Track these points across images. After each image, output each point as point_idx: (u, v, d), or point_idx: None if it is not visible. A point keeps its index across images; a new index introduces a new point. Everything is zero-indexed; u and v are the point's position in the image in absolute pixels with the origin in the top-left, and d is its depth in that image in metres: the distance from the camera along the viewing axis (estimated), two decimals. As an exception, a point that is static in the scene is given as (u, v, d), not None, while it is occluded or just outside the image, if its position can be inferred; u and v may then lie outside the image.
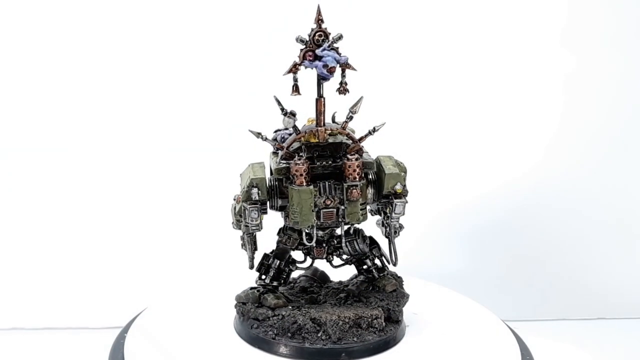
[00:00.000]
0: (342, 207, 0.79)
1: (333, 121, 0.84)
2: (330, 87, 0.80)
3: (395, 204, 0.80)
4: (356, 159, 0.79)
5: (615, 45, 1.39)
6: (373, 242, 0.89)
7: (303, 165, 0.78)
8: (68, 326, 1.39)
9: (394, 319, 0.85)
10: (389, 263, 0.89)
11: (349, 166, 0.78)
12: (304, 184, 0.78)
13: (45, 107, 1.36)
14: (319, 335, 0.80)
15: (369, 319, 0.81)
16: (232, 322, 0.91)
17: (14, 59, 1.34)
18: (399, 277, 0.91)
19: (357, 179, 0.78)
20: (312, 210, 0.79)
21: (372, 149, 0.87)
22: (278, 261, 0.89)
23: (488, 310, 1.01)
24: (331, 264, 0.90)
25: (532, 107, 1.42)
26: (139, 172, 1.40)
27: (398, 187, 0.79)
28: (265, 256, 0.90)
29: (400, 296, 0.87)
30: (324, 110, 0.80)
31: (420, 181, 1.34)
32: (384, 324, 0.82)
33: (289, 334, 0.81)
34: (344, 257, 0.89)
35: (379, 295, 0.87)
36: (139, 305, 1.02)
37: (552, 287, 1.48)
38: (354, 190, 0.78)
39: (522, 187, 1.44)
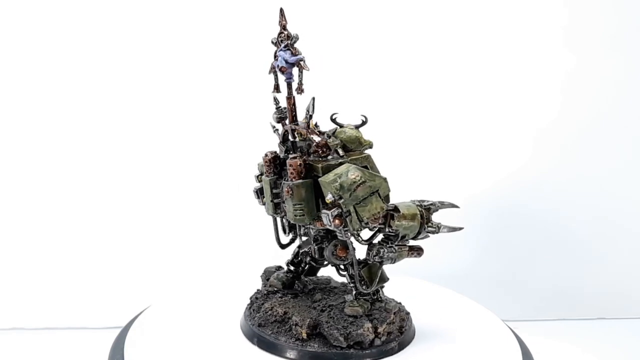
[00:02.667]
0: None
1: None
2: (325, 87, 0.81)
3: (321, 213, 0.76)
4: (294, 158, 0.78)
5: (613, 46, 1.39)
6: (361, 262, 0.83)
7: (266, 157, 0.82)
8: (68, 326, 1.40)
9: (329, 342, 0.79)
10: (366, 287, 0.82)
11: (286, 164, 0.79)
12: (265, 174, 0.83)
13: (46, 107, 1.36)
14: (254, 315, 0.87)
15: (291, 324, 0.82)
16: (234, 321, 0.91)
17: (18, 62, 1.35)
18: (393, 313, 0.82)
19: (291, 178, 0.78)
20: (271, 201, 0.83)
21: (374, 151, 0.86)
22: (297, 249, 0.92)
23: (488, 310, 1.01)
24: (338, 270, 0.89)
25: (531, 106, 1.42)
26: (140, 171, 1.40)
27: (328, 197, 0.74)
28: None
29: (355, 326, 0.79)
30: (293, 108, 0.81)
31: (419, 181, 1.35)
32: (304, 335, 0.80)
33: (247, 306, 0.91)
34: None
35: (336, 312, 0.82)
36: (139, 305, 1.02)
37: (552, 287, 1.48)
38: (285, 189, 0.79)
39: (522, 187, 1.44)
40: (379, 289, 0.84)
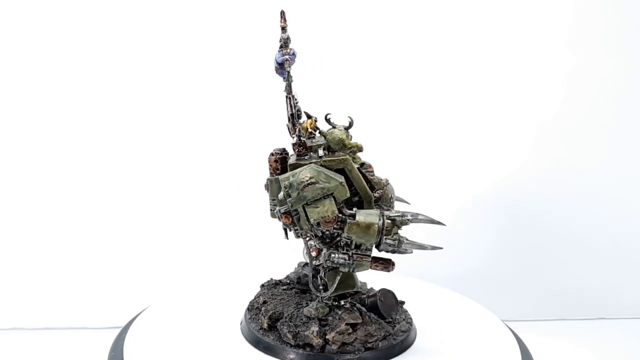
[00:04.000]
0: None
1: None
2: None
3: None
4: (271, 155, 0.81)
5: (614, 46, 1.39)
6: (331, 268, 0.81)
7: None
8: (68, 326, 1.40)
9: (280, 334, 0.82)
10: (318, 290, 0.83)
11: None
12: None
13: (46, 108, 1.36)
14: (253, 298, 0.91)
15: (260, 313, 0.86)
16: (234, 321, 0.91)
17: (20, 63, 1.35)
18: (345, 324, 0.79)
19: (270, 173, 0.80)
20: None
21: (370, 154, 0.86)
22: None
23: (488, 310, 1.01)
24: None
25: (533, 106, 1.42)
26: (140, 171, 1.40)
27: (280, 194, 0.77)
28: None
29: (305, 327, 0.80)
30: (292, 107, 0.82)
31: (419, 182, 1.35)
32: (265, 326, 0.83)
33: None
34: None
35: (301, 310, 0.84)
36: (139, 305, 1.02)
37: (552, 287, 1.48)
38: (264, 183, 0.81)
39: (522, 188, 1.44)
40: (347, 295, 0.82)
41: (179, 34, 1.35)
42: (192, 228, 1.41)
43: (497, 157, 1.43)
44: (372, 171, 0.81)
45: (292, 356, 0.79)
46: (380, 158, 0.85)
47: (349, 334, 0.79)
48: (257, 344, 0.83)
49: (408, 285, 1.00)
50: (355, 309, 0.82)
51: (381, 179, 0.81)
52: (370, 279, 0.91)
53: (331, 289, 0.80)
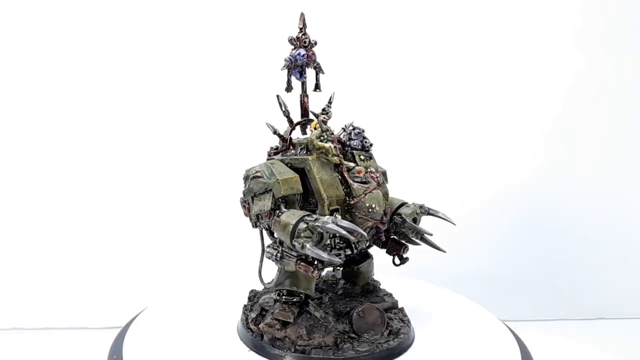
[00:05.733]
0: None
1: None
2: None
3: None
4: (270, 148, 0.85)
5: (624, 48, 1.39)
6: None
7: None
8: (68, 326, 1.40)
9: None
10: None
11: None
12: None
13: (46, 109, 1.37)
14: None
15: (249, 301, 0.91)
16: (231, 322, 0.91)
17: (20, 63, 1.35)
18: (273, 319, 0.80)
19: None
20: None
21: (380, 153, 0.87)
22: None
23: (488, 310, 1.00)
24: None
25: (535, 111, 1.42)
26: (139, 173, 1.40)
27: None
28: None
29: (252, 312, 0.84)
30: (306, 107, 0.85)
31: (420, 182, 1.35)
32: (246, 306, 0.89)
33: None
34: None
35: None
36: (139, 305, 1.02)
37: (552, 288, 1.48)
38: None
39: (522, 189, 1.44)
40: (296, 293, 0.81)
41: (177, 37, 1.35)
42: (191, 229, 1.41)
43: (501, 163, 1.43)
44: (360, 176, 0.80)
45: (242, 338, 0.84)
46: (389, 159, 0.86)
47: (278, 329, 0.80)
48: (238, 323, 0.87)
49: (408, 286, 0.99)
50: (293, 308, 0.80)
51: (365, 187, 0.79)
52: (377, 279, 0.93)
53: (273, 281, 0.83)
